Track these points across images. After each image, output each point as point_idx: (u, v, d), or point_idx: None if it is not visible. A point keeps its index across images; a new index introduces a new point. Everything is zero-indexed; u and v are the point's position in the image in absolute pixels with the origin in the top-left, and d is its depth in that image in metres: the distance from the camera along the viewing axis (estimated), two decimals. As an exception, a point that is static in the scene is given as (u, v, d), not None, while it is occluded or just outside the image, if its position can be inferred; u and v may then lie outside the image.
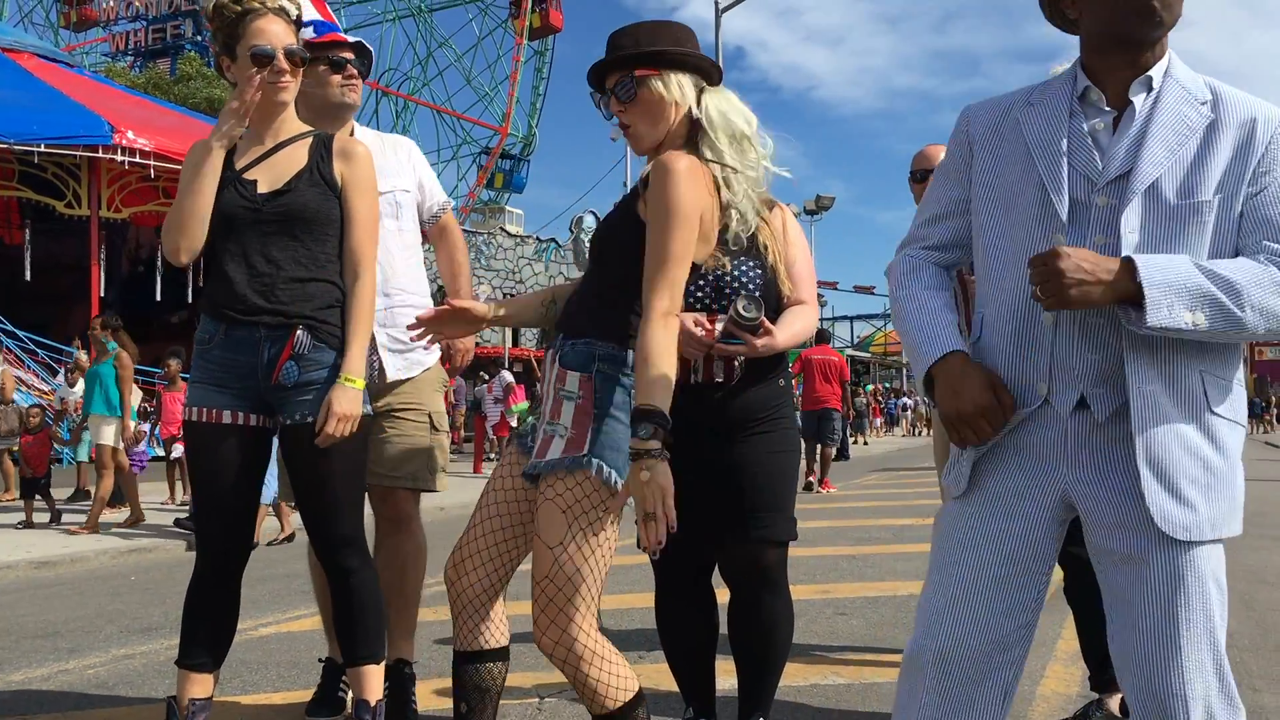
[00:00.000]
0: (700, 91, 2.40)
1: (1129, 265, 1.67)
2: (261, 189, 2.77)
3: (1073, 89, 1.85)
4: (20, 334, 17.03)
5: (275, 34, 2.74)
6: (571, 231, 16.63)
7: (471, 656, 2.45)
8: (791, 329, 2.84)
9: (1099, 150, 1.79)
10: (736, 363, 2.84)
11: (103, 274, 17.81)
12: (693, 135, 2.39)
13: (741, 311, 2.70)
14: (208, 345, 2.79)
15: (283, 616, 5.32)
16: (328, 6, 3.49)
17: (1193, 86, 1.80)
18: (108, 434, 8.85)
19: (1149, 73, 1.79)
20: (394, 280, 3.35)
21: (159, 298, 20.88)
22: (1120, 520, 1.75)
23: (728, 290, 2.81)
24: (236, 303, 2.74)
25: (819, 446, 13.05)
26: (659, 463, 2.11)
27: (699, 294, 2.83)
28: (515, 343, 27.26)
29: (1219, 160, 1.74)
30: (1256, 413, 45.12)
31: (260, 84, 2.73)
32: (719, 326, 2.76)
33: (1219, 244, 1.74)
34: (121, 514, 9.28)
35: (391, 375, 3.34)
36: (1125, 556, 1.75)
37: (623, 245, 2.37)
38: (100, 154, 16.22)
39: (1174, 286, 1.65)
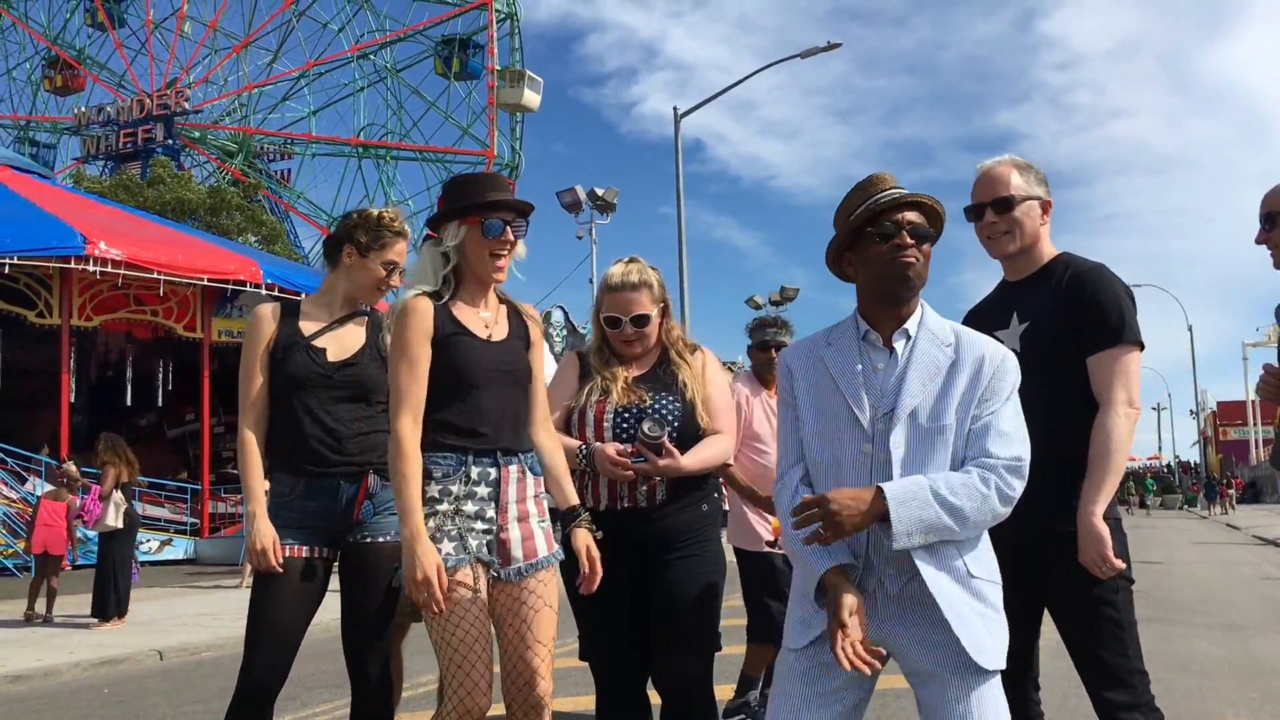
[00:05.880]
0: None
1: (880, 496, 2.16)
2: (330, 357, 3.20)
3: (857, 332, 2.36)
4: (-12, 442, 16.92)
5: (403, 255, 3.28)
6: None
7: None
8: (702, 454, 3.14)
9: (878, 384, 2.30)
10: (657, 486, 3.09)
11: (73, 380, 17.74)
12: None
13: (646, 431, 3.04)
14: (288, 498, 3.16)
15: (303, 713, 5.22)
16: None
17: (939, 332, 2.32)
18: None
19: (905, 325, 2.31)
20: None
21: (129, 402, 20.79)
22: (927, 654, 2.22)
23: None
24: (314, 459, 3.14)
25: None
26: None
27: (624, 424, 3.11)
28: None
29: (957, 391, 2.26)
30: (1213, 495, 44.04)
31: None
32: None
33: (956, 453, 2.26)
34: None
35: None
36: (931, 674, 2.21)
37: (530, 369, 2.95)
38: (73, 265, 16.32)
39: (913, 520, 2.15)
